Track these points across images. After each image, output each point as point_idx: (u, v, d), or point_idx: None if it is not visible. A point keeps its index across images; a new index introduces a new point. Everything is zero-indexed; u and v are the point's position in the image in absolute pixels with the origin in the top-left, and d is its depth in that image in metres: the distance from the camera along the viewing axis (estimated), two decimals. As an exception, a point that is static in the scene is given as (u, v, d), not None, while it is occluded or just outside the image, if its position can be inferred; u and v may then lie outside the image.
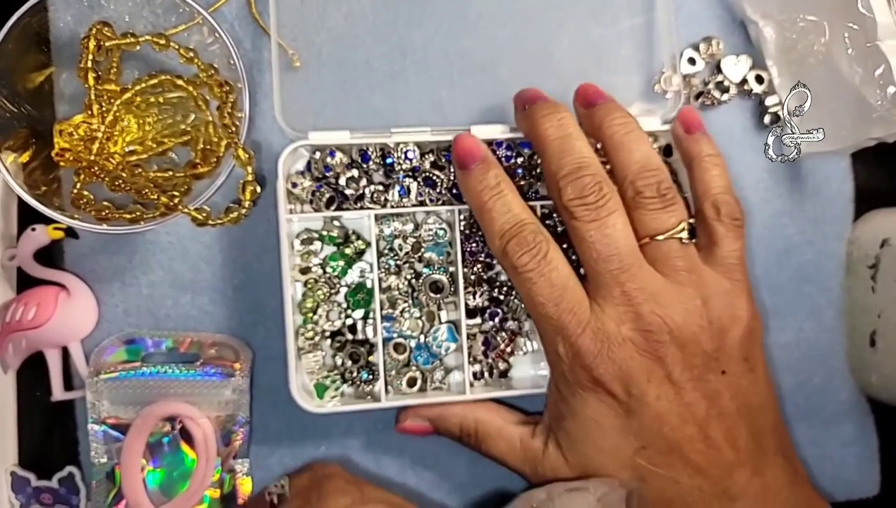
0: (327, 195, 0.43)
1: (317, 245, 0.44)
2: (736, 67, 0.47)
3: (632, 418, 0.38)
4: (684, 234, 0.39)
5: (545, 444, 0.41)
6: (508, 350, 0.45)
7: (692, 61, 0.47)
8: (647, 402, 0.38)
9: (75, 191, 0.42)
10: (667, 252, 0.39)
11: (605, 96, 0.42)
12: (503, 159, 0.43)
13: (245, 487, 0.45)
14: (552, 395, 0.41)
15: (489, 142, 0.44)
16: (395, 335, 0.44)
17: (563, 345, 0.39)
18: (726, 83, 0.47)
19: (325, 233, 0.44)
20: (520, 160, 0.44)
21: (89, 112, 0.41)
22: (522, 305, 0.45)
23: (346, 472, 0.44)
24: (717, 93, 0.47)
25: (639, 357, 0.38)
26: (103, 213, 0.42)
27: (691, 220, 0.40)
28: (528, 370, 0.46)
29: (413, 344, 0.44)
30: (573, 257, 0.41)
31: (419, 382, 0.44)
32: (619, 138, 0.40)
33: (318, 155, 0.43)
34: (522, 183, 0.44)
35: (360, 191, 0.43)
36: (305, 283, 0.44)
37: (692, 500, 0.38)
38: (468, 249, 0.44)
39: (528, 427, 0.42)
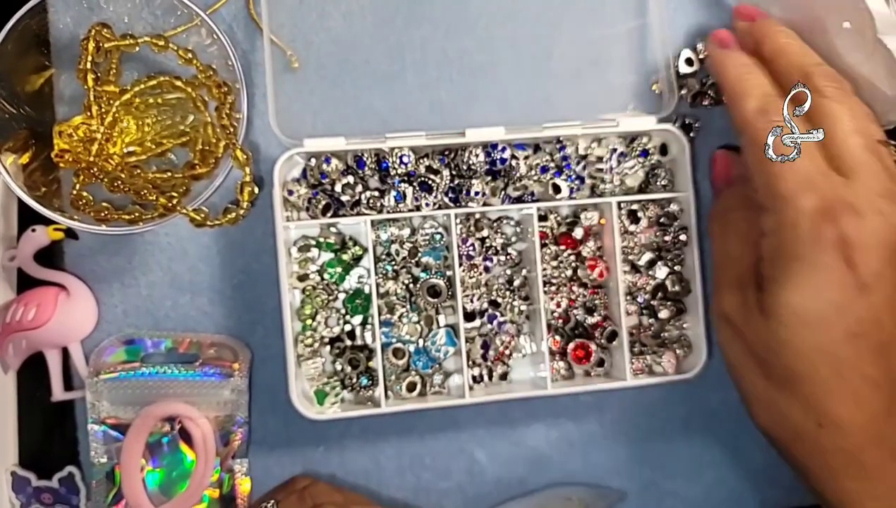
0: (323, 202, 0.43)
1: (314, 252, 0.44)
2: None
3: (858, 297, 0.35)
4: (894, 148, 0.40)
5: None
6: (507, 352, 0.45)
7: (689, 62, 0.47)
8: (881, 285, 0.35)
9: (75, 192, 0.42)
10: (885, 153, 0.39)
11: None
12: (499, 161, 0.43)
13: (244, 487, 0.45)
14: (771, 262, 0.38)
15: (486, 144, 0.44)
16: (393, 340, 0.44)
17: (809, 198, 0.36)
18: None
19: (322, 239, 0.44)
20: (516, 162, 0.44)
21: (88, 113, 0.41)
22: (521, 307, 0.45)
23: (335, 492, 0.44)
24: (714, 93, 0.47)
25: (890, 232, 0.36)
26: (102, 214, 0.42)
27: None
28: (528, 372, 0.46)
29: (412, 348, 0.44)
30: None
31: (419, 387, 0.44)
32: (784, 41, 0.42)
33: (313, 162, 0.43)
34: (518, 184, 0.45)
35: (356, 197, 0.43)
36: (303, 290, 0.44)
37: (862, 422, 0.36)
38: (465, 253, 0.44)
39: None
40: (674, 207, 0.45)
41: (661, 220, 0.46)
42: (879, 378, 0.36)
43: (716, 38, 0.44)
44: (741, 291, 0.40)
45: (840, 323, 0.36)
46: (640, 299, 0.46)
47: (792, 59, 0.40)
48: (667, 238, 0.46)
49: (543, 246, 0.45)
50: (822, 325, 0.36)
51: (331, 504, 0.42)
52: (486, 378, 0.45)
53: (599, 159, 0.45)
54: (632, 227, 0.45)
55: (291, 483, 0.45)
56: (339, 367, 0.44)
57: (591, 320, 0.45)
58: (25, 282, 0.45)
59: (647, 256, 0.46)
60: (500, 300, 0.45)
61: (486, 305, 0.45)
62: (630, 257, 0.46)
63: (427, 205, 0.43)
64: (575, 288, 0.46)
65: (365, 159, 0.43)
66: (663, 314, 0.45)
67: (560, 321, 0.46)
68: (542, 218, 0.45)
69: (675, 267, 0.46)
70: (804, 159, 0.37)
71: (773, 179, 0.37)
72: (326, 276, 0.44)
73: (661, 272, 0.46)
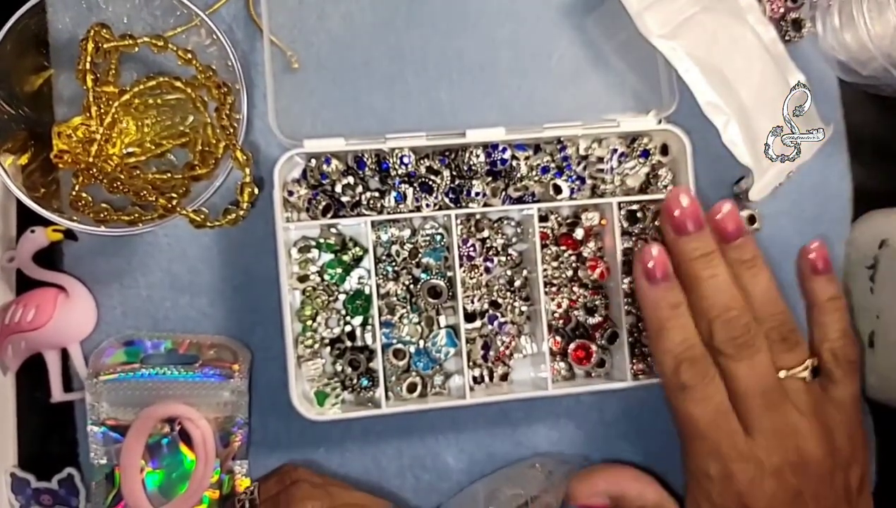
0: (323, 203, 0.43)
1: (314, 252, 0.44)
2: None
3: None
4: (807, 374, 0.41)
5: None
6: (508, 353, 0.45)
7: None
8: None
9: (74, 193, 0.42)
10: (792, 388, 0.41)
11: (743, 230, 0.42)
12: (500, 162, 0.43)
13: (243, 488, 0.45)
14: None
15: (486, 145, 0.44)
16: (394, 341, 0.44)
17: (714, 467, 0.40)
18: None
19: (322, 240, 0.44)
20: (517, 162, 0.44)
21: (88, 114, 0.41)
22: (521, 307, 0.45)
23: (315, 475, 0.44)
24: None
25: (782, 490, 0.39)
26: (102, 215, 0.42)
27: (813, 360, 0.42)
28: (528, 372, 0.46)
29: (412, 349, 0.44)
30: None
31: (419, 388, 0.44)
32: (747, 281, 0.42)
33: (313, 162, 0.43)
34: (519, 185, 0.45)
35: (357, 198, 0.43)
36: (304, 291, 0.44)
37: None
38: (465, 253, 0.44)
39: None
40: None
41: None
42: None
43: (645, 269, 0.42)
44: None
45: None
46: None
47: (700, 305, 0.41)
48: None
49: (544, 246, 0.45)
50: None
51: (307, 481, 0.43)
52: (486, 378, 0.45)
53: (600, 160, 0.45)
54: (632, 229, 0.45)
55: (276, 470, 0.45)
56: (339, 368, 0.44)
57: (591, 321, 0.45)
58: (24, 284, 0.44)
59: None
60: (500, 301, 0.45)
61: (486, 306, 0.45)
62: (631, 257, 0.46)
63: (427, 205, 0.43)
64: (576, 289, 0.46)
65: (365, 160, 0.43)
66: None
67: (561, 321, 0.46)
68: (543, 218, 0.45)
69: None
70: (713, 427, 0.40)
71: (687, 442, 0.41)
72: (327, 277, 0.44)
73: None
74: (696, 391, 0.40)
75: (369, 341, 0.44)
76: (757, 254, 0.42)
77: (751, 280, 0.42)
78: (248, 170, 0.41)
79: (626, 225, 0.45)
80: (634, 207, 0.45)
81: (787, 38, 0.48)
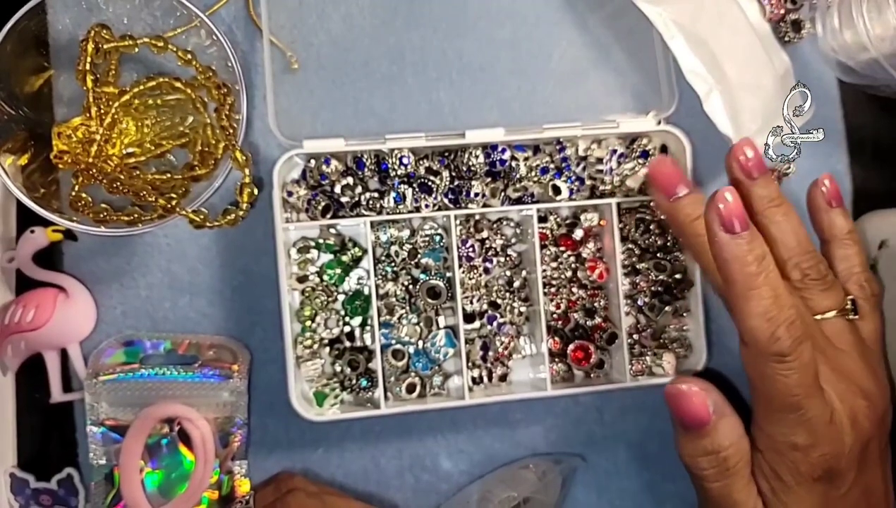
0: (323, 203, 0.43)
1: (313, 253, 0.44)
2: None
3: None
4: (850, 313, 0.40)
5: None
6: (507, 354, 0.45)
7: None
8: (853, 488, 0.38)
9: (74, 193, 0.42)
10: (840, 329, 0.40)
11: (763, 167, 0.40)
12: (499, 162, 0.43)
13: (243, 488, 0.45)
14: (768, 482, 0.38)
15: (485, 146, 0.44)
16: (393, 341, 0.44)
17: (804, 436, 0.36)
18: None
19: (321, 241, 0.44)
20: (516, 163, 0.44)
21: (88, 114, 0.41)
22: (520, 308, 0.45)
23: (311, 484, 0.44)
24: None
25: (858, 444, 0.37)
26: (101, 215, 0.42)
27: (851, 297, 0.41)
28: (528, 373, 0.46)
29: (411, 350, 0.44)
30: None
31: (418, 388, 0.44)
32: (780, 219, 0.40)
33: (312, 163, 0.43)
34: (518, 185, 0.45)
35: (356, 199, 0.43)
36: (303, 292, 0.44)
37: None
38: (465, 254, 0.44)
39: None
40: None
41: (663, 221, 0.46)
42: None
43: (721, 214, 0.35)
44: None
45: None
46: (639, 300, 0.46)
47: (789, 243, 0.40)
48: (668, 239, 0.46)
49: (543, 247, 0.45)
50: None
51: (303, 490, 0.43)
52: (485, 379, 0.45)
53: (599, 160, 0.45)
54: (632, 232, 0.45)
55: (272, 478, 0.45)
56: (338, 369, 0.44)
57: (590, 322, 0.45)
58: (24, 284, 0.44)
59: (647, 257, 0.46)
60: (499, 301, 0.45)
61: (485, 306, 0.45)
62: (630, 258, 0.46)
63: (427, 206, 0.43)
64: (575, 290, 0.46)
65: (364, 160, 0.43)
66: (663, 315, 0.45)
67: (560, 322, 0.46)
68: (542, 219, 0.45)
69: (675, 269, 0.46)
70: (809, 399, 0.36)
71: (773, 415, 0.37)
72: (326, 278, 0.44)
73: (661, 273, 0.46)
74: (795, 358, 0.35)
75: (368, 341, 0.44)
76: (780, 193, 0.41)
77: (784, 219, 0.40)
78: (247, 171, 0.41)
79: (622, 229, 0.45)
80: (648, 217, 0.45)
81: (786, 38, 0.48)
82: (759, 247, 0.35)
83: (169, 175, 0.43)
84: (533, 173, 0.44)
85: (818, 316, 0.40)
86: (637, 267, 0.46)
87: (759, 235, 0.35)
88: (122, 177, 0.42)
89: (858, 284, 0.41)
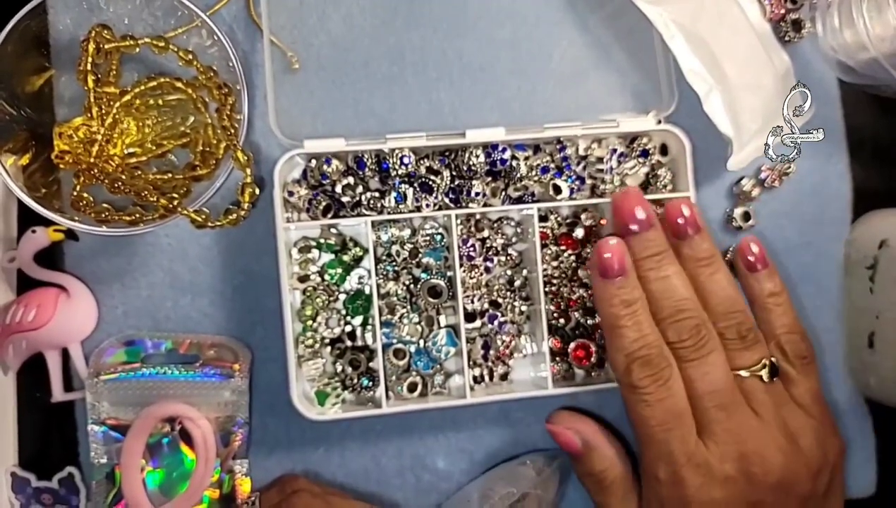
0: (324, 203, 0.43)
1: (314, 253, 0.44)
2: None
3: None
4: (765, 373, 0.41)
5: None
6: (508, 353, 0.45)
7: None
8: None
9: (75, 193, 0.42)
10: (752, 389, 0.40)
11: (697, 225, 0.42)
12: (500, 162, 0.43)
13: (244, 487, 0.45)
14: (645, 504, 0.41)
15: (486, 145, 0.44)
16: (394, 340, 0.44)
17: (664, 471, 0.39)
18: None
19: (322, 240, 0.44)
20: (516, 163, 0.44)
21: (89, 114, 0.41)
22: (521, 307, 0.45)
23: (315, 485, 0.44)
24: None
25: (738, 498, 0.39)
26: (103, 215, 0.42)
27: (771, 359, 0.41)
28: (529, 372, 0.46)
29: (413, 349, 0.44)
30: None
31: (420, 387, 0.44)
32: (704, 280, 0.41)
33: (313, 163, 0.43)
34: (519, 185, 0.45)
35: (357, 198, 0.43)
36: (304, 291, 0.44)
37: None
38: (465, 253, 0.44)
39: None
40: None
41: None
42: None
43: (598, 262, 0.40)
44: None
45: None
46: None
47: (654, 305, 0.40)
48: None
49: (544, 246, 0.45)
50: None
51: (308, 491, 0.43)
52: (486, 378, 0.45)
53: (600, 160, 0.46)
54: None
55: (277, 479, 0.45)
56: (339, 368, 0.44)
57: (591, 320, 0.45)
58: (25, 283, 0.45)
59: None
60: (500, 300, 0.45)
61: (486, 306, 0.45)
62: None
63: (427, 205, 0.44)
64: (575, 289, 0.46)
65: (365, 160, 0.43)
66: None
67: (561, 321, 0.46)
68: (543, 218, 0.45)
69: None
70: (665, 430, 0.39)
71: (639, 442, 0.41)
72: (327, 277, 0.44)
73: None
74: (647, 392, 0.39)
75: (370, 341, 0.44)
76: (714, 252, 0.42)
77: (708, 278, 0.41)
78: (248, 171, 0.41)
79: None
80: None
81: (786, 38, 0.48)
82: (630, 292, 0.40)
83: (170, 175, 0.43)
84: (533, 172, 0.44)
85: (735, 372, 0.40)
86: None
87: (634, 282, 0.40)
88: (123, 176, 0.42)
89: (777, 347, 0.42)
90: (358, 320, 0.44)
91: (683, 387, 0.40)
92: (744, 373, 0.40)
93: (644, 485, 0.41)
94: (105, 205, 0.42)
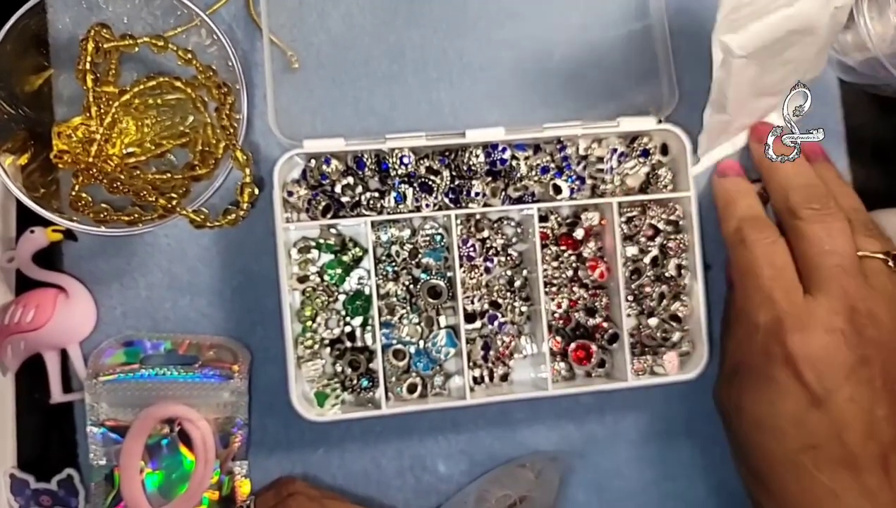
0: (323, 203, 0.43)
1: (314, 253, 0.44)
2: None
3: (812, 411, 0.38)
4: (890, 260, 0.41)
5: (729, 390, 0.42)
6: (508, 353, 0.45)
7: None
8: (836, 400, 0.37)
9: (74, 193, 0.42)
10: (874, 269, 0.40)
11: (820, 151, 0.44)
12: (500, 162, 0.43)
13: (244, 489, 0.45)
14: (739, 368, 0.41)
15: (486, 145, 0.44)
16: (394, 341, 0.44)
17: (765, 314, 0.39)
18: None
19: (322, 240, 0.44)
20: (516, 162, 0.44)
21: (88, 114, 0.41)
22: (521, 307, 0.45)
23: (311, 489, 0.44)
24: None
25: (845, 349, 0.38)
26: (102, 215, 0.42)
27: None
28: (529, 373, 0.46)
29: (412, 349, 0.44)
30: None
31: (419, 388, 0.44)
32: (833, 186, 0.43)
33: (313, 163, 0.43)
34: (519, 185, 0.44)
35: (356, 198, 0.43)
36: (303, 292, 0.44)
37: None
38: (465, 253, 0.44)
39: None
40: (677, 214, 0.45)
41: (661, 223, 0.46)
42: (840, 490, 0.37)
43: (718, 169, 0.45)
44: (727, 384, 0.43)
45: (796, 434, 0.38)
46: (641, 299, 0.46)
47: (779, 180, 0.42)
48: (669, 240, 0.46)
49: (544, 246, 0.45)
50: (778, 435, 0.38)
51: (304, 494, 0.43)
52: (486, 379, 0.45)
53: (600, 159, 0.45)
54: (632, 230, 0.45)
55: (273, 482, 0.45)
56: (339, 369, 0.44)
57: (591, 321, 0.45)
58: (24, 284, 0.44)
59: (649, 257, 0.46)
60: (500, 301, 0.45)
61: (486, 306, 0.45)
62: (631, 257, 0.46)
63: (427, 205, 0.43)
64: (576, 289, 0.45)
65: (365, 160, 0.43)
66: (664, 314, 0.45)
67: (561, 322, 0.46)
68: (543, 218, 0.45)
69: (677, 267, 0.46)
70: (770, 279, 0.39)
71: (741, 294, 0.41)
72: (326, 278, 0.44)
73: (663, 272, 0.46)
74: (757, 246, 0.40)
75: (369, 341, 0.44)
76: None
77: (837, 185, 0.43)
78: (247, 171, 0.41)
79: (624, 229, 0.45)
80: (633, 212, 0.45)
81: (787, 38, 0.48)
82: (745, 184, 0.44)
83: (169, 175, 0.43)
84: (533, 172, 0.44)
85: (860, 253, 0.40)
86: (638, 267, 0.46)
87: (748, 181, 0.44)
88: (122, 176, 0.42)
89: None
90: (357, 321, 0.44)
91: (790, 255, 0.40)
92: (868, 253, 0.40)
93: (742, 340, 0.41)
94: (104, 205, 0.42)
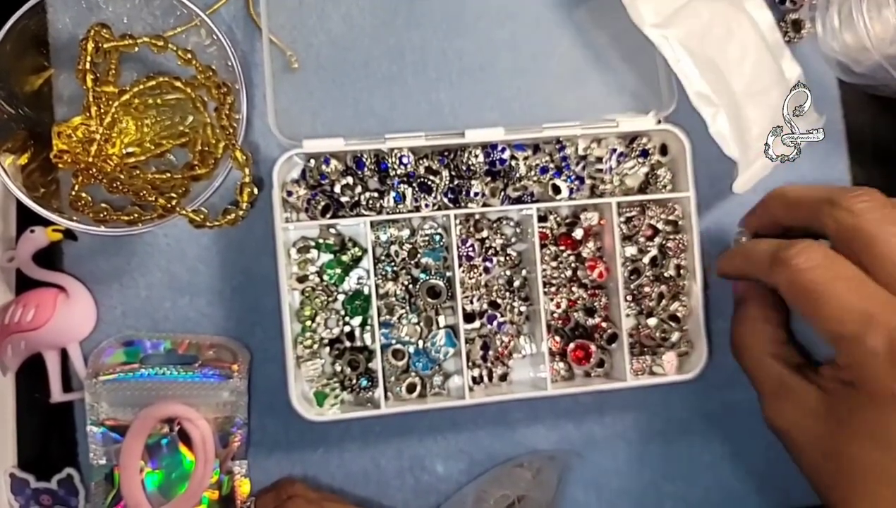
0: (323, 203, 0.43)
1: (313, 253, 0.44)
2: None
3: None
4: None
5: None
6: (507, 353, 0.45)
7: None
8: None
9: (74, 192, 0.42)
10: None
11: None
12: (499, 162, 0.43)
13: (243, 488, 0.45)
14: (849, 389, 0.36)
15: (485, 145, 0.44)
16: (393, 341, 0.44)
17: (876, 339, 0.33)
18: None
19: (321, 240, 0.44)
20: (516, 162, 0.44)
21: (88, 114, 0.41)
22: (520, 307, 0.45)
23: (311, 491, 0.44)
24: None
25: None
26: (101, 215, 0.42)
27: None
28: (528, 373, 0.46)
29: (412, 349, 0.44)
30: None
31: (418, 388, 0.44)
32: None
33: (312, 163, 0.43)
34: (518, 185, 0.45)
35: (356, 198, 0.43)
36: (303, 292, 0.44)
37: None
38: (464, 253, 0.44)
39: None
40: (676, 214, 0.45)
41: (660, 223, 0.46)
42: None
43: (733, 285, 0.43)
44: (789, 400, 0.39)
45: None
46: (640, 300, 0.46)
47: (805, 201, 0.38)
48: (668, 240, 0.46)
49: (543, 246, 0.45)
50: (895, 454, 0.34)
51: (303, 496, 0.43)
52: (485, 379, 0.45)
53: (599, 159, 0.45)
54: (631, 230, 0.45)
55: (273, 484, 0.45)
56: (338, 369, 0.44)
57: (590, 321, 0.45)
58: (24, 283, 0.44)
59: (648, 257, 0.46)
60: (499, 301, 0.45)
61: (485, 306, 0.45)
62: (630, 257, 0.46)
63: (426, 205, 0.43)
64: (575, 289, 0.46)
65: (364, 160, 0.43)
66: (663, 314, 0.45)
67: (560, 322, 0.46)
68: (542, 218, 0.45)
69: (676, 268, 0.46)
70: (853, 293, 0.35)
71: (830, 324, 0.35)
72: (326, 277, 0.44)
73: (662, 272, 0.46)
74: (805, 261, 0.36)
75: (368, 341, 0.44)
76: None
77: None
78: (247, 171, 0.41)
79: (623, 229, 0.45)
80: (632, 213, 0.45)
81: (786, 38, 0.48)
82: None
83: (169, 174, 0.43)
84: (532, 172, 0.44)
85: None
86: (637, 267, 0.46)
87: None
88: (121, 176, 0.42)
89: None
90: (357, 320, 0.44)
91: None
92: None
93: (842, 356, 0.36)
94: (104, 205, 0.42)
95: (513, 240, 0.46)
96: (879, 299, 0.34)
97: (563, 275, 0.45)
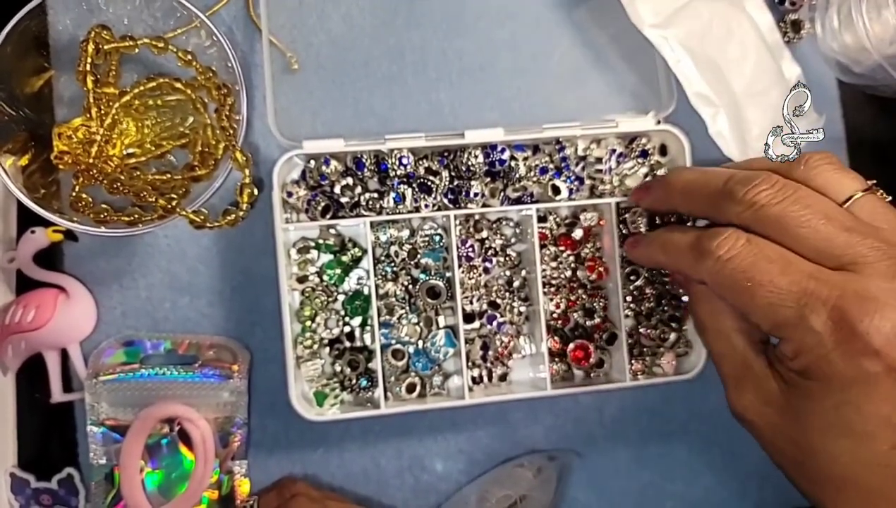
0: (323, 203, 0.43)
1: (313, 253, 0.44)
2: None
3: None
4: (880, 192, 0.36)
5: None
6: (507, 353, 0.45)
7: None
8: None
9: (74, 193, 0.42)
10: (874, 206, 0.35)
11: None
12: (499, 162, 0.43)
13: (243, 488, 0.45)
14: (799, 379, 0.34)
15: (485, 146, 0.44)
16: (393, 341, 0.44)
17: (817, 317, 0.32)
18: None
19: (321, 241, 0.44)
20: (515, 163, 0.44)
21: (88, 115, 0.41)
22: (520, 308, 0.45)
23: (313, 490, 0.44)
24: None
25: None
26: (102, 216, 0.42)
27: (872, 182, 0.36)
28: (527, 373, 0.46)
29: (411, 349, 0.44)
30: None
31: (418, 388, 0.44)
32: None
33: (312, 163, 0.43)
34: (518, 185, 0.45)
35: (356, 199, 0.43)
36: (303, 292, 0.44)
37: None
38: (464, 254, 0.44)
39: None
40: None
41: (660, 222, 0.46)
42: None
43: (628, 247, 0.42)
44: (752, 388, 0.37)
45: (886, 435, 0.32)
46: (639, 300, 0.46)
47: (702, 192, 0.37)
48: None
49: (543, 247, 0.45)
50: (866, 438, 0.33)
51: (306, 495, 0.43)
52: (485, 379, 0.45)
53: (598, 160, 0.46)
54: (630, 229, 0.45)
55: (275, 483, 0.45)
56: (338, 369, 0.44)
57: (590, 321, 0.45)
58: (25, 284, 0.45)
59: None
60: (499, 301, 0.45)
61: (485, 306, 0.45)
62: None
63: (426, 206, 0.43)
64: (574, 290, 0.46)
65: (364, 161, 0.43)
66: (663, 315, 0.45)
67: (559, 322, 0.46)
68: (542, 219, 0.45)
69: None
70: (783, 275, 0.33)
71: (765, 312, 0.33)
72: (326, 278, 0.44)
73: (661, 272, 0.46)
74: (728, 250, 0.35)
75: (368, 341, 0.44)
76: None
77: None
78: (247, 171, 0.41)
79: (622, 229, 0.45)
80: (629, 216, 0.45)
81: (786, 39, 0.48)
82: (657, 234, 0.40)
83: (169, 175, 0.43)
84: (532, 173, 0.44)
85: (846, 204, 0.35)
86: (637, 267, 0.46)
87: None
88: (122, 177, 0.42)
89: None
90: (357, 321, 0.44)
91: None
92: (858, 195, 0.35)
93: (788, 345, 0.34)
94: (104, 206, 0.42)
95: (512, 240, 0.46)
96: (809, 272, 0.33)
97: (562, 276, 0.46)
